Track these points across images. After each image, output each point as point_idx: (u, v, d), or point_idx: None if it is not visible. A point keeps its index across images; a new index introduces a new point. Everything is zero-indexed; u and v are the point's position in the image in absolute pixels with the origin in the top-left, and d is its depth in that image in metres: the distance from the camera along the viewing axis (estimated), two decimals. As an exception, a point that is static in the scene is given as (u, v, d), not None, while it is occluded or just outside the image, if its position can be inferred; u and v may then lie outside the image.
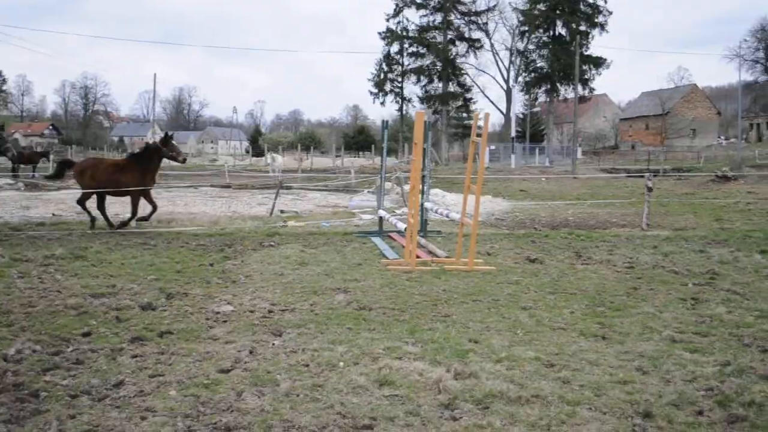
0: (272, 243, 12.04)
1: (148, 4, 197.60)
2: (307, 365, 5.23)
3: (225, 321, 6.61)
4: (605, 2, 69.53)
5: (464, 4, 73.53)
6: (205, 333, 6.14)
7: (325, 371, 5.10)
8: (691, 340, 6.09)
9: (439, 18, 73.32)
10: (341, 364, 5.26)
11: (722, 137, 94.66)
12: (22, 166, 34.65)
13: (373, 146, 77.25)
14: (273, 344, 5.82)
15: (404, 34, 74.41)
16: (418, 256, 10.21)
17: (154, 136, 57.64)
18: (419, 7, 73.14)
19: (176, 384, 4.76)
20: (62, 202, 20.66)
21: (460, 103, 75.21)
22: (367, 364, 5.26)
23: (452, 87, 74.29)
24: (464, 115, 74.97)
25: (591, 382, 4.92)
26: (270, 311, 7.03)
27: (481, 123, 10.26)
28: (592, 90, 73.18)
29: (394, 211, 17.59)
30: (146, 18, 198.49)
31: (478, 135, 10.23)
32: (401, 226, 11.02)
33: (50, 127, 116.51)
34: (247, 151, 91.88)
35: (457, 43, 74.43)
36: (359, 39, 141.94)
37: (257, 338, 6.00)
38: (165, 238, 12.43)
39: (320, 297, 7.73)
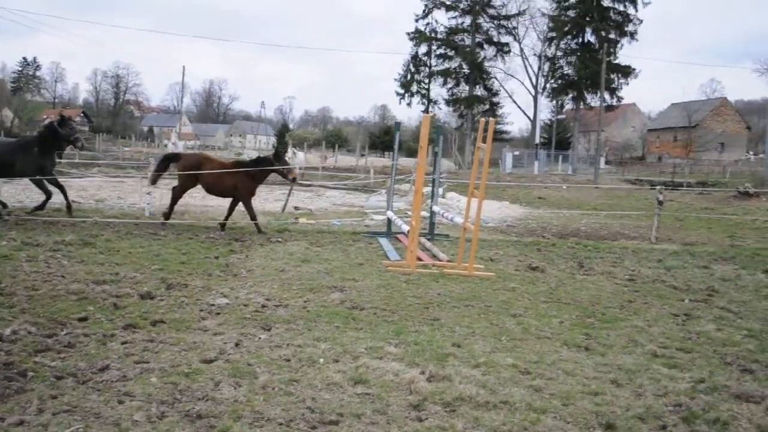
0: (279, 239, 12.21)
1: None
2: (289, 360, 5.39)
3: (218, 313, 6.79)
4: (636, 11, 68.63)
5: (494, 7, 73.08)
6: (196, 324, 6.32)
7: (304, 367, 5.25)
8: (673, 356, 6.15)
9: (467, 21, 72.99)
10: (321, 360, 5.40)
11: (751, 153, 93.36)
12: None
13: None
14: (259, 338, 5.99)
15: (432, 35, 74.25)
16: (419, 259, 10.33)
17: (180, 128, 57.88)
18: (448, 9, 72.84)
19: (158, 371, 4.94)
20: (83, 189, 21.07)
21: (486, 107, 74.84)
22: (346, 362, 5.40)
23: (479, 90, 73.93)
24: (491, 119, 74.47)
25: (562, 391, 5.01)
26: (263, 306, 7.20)
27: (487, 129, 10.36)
28: (619, 99, 72.28)
29: (407, 213, 17.68)
30: (186, 12, 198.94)
31: (484, 141, 10.35)
32: (405, 228, 11.13)
33: (81, 115, 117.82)
34: (273, 146, 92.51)
35: (486, 46, 74.02)
36: (400, 40, 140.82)
37: (246, 331, 6.17)
38: (176, 229, 12.66)
39: (315, 294, 7.88)
